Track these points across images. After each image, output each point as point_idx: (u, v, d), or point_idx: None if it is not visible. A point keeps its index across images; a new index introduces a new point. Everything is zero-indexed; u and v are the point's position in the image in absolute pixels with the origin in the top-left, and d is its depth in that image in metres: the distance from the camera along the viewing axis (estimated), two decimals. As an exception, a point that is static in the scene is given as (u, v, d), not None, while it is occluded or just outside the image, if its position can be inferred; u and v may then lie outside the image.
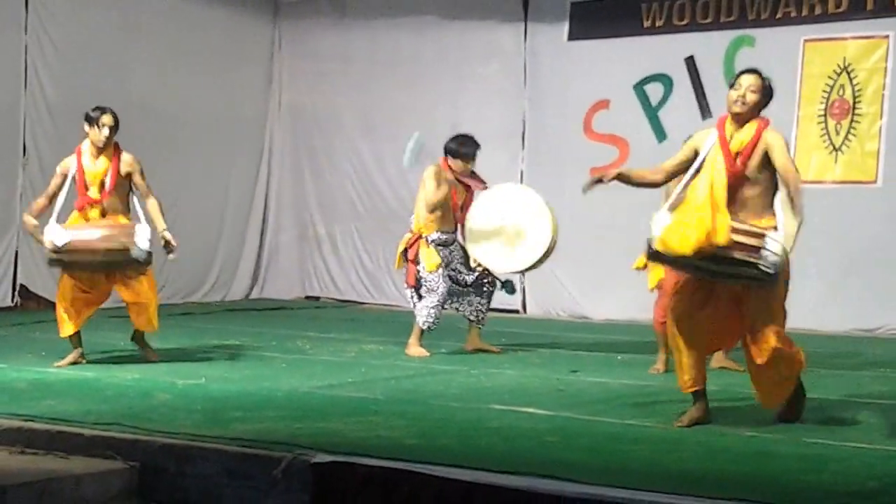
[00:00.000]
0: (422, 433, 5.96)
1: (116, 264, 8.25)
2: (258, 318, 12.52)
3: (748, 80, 6.26)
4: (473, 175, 9.49)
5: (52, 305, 12.38)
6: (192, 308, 13.18)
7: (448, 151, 9.42)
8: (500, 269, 9.45)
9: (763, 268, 5.96)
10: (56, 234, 8.06)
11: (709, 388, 7.61)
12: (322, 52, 14.70)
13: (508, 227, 9.24)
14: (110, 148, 8.35)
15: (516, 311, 13.25)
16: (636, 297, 12.36)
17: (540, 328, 10.82)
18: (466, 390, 7.53)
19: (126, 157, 8.38)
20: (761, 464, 5.35)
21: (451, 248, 9.46)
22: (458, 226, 9.49)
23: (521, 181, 13.03)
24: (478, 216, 9.35)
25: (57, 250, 8.07)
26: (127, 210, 8.42)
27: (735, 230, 6.03)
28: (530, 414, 6.60)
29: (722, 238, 5.99)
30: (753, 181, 6.19)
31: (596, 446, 5.72)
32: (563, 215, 12.50)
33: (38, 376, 7.82)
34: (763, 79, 6.29)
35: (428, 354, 9.21)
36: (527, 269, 9.73)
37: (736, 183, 6.17)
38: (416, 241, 9.38)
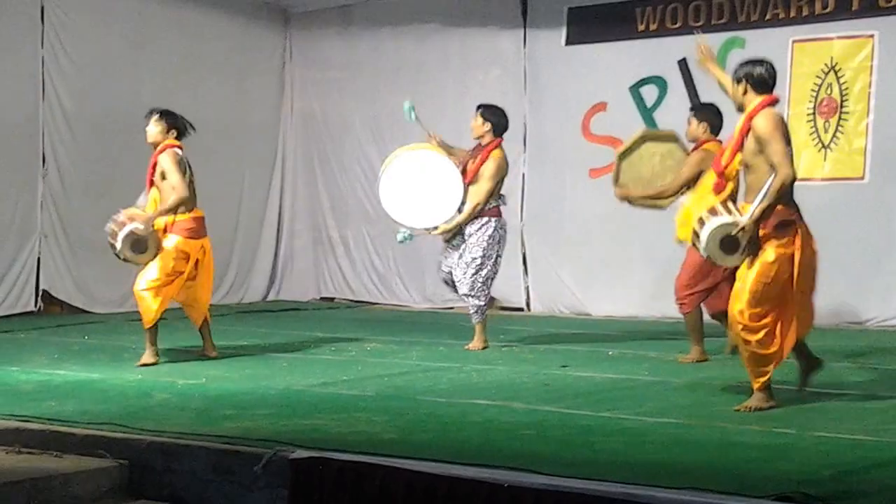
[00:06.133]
0: (400, 428, 6.11)
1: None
2: (271, 319, 12.61)
3: None
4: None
5: (75, 310, 12.76)
6: (209, 310, 13.36)
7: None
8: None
9: None
10: None
11: (679, 381, 7.83)
12: (331, 60, 14.79)
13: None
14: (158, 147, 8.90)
15: (521, 309, 13.29)
16: (636, 294, 12.59)
17: (541, 325, 10.91)
18: (455, 386, 7.61)
19: (161, 156, 8.84)
20: (725, 454, 5.44)
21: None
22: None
23: (523, 182, 13.25)
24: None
25: None
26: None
27: None
28: (512, 408, 6.73)
29: None
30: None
31: (568, 439, 5.84)
32: (563, 214, 12.76)
33: (46, 378, 7.99)
34: None
35: None
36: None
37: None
38: None
